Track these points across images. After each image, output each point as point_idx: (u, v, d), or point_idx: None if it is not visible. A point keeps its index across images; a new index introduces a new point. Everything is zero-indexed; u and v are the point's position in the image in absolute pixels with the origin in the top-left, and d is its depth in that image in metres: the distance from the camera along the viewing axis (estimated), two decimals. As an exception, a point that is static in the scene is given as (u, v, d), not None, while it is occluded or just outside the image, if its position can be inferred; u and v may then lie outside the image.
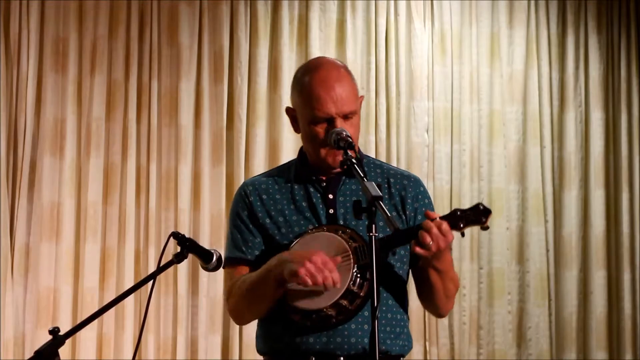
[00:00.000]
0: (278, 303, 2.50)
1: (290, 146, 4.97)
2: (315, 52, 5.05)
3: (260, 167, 4.94)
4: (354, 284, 2.44)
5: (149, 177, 4.88)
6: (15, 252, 4.69)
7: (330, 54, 5.07)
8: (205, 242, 4.82)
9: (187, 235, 2.43)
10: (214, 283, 4.86)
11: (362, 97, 2.65)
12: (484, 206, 2.49)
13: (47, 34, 4.85)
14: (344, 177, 2.62)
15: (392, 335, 2.55)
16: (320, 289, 2.40)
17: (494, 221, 5.22)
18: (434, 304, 2.62)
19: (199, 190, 4.95)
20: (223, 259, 2.55)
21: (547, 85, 5.44)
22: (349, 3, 5.21)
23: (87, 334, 4.66)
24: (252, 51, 5.08)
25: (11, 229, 4.70)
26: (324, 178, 2.63)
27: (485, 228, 2.50)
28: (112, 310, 4.27)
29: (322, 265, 2.38)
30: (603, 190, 5.42)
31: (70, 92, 4.83)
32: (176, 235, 2.40)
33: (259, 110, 5.04)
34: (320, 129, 2.55)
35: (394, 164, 5.04)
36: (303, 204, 2.61)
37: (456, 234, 2.46)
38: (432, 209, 2.57)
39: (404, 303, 2.61)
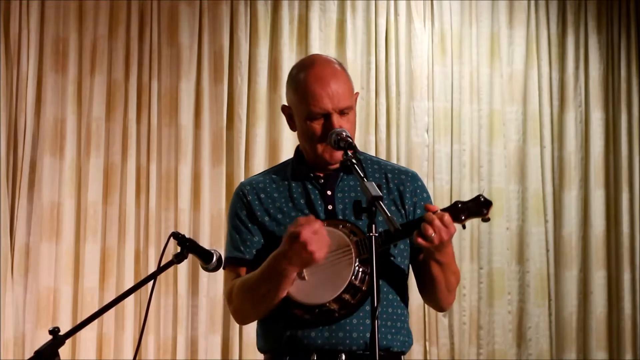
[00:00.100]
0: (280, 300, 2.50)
1: (290, 146, 4.97)
2: (315, 52, 5.04)
3: (260, 167, 4.94)
4: (355, 278, 2.45)
5: (149, 177, 4.88)
6: (15, 252, 4.69)
7: (330, 54, 5.07)
8: (205, 242, 4.82)
9: (187, 236, 2.43)
10: (214, 283, 4.86)
11: (357, 93, 2.66)
12: (484, 198, 2.51)
13: (47, 34, 4.85)
14: (341, 174, 2.62)
15: (393, 330, 2.55)
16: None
17: (494, 221, 5.22)
18: (436, 298, 2.63)
19: (199, 190, 4.95)
20: (223, 259, 2.55)
21: (547, 85, 5.44)
22: (349, 3, 5.21)
23: (87, 334, 4.66)
24: (252, 51, 5.08)
25: (11, 229, 4.70)
26: (321, 175, 2.64)
27: (486, 220, 2.52)
28: (112, 310, 4.27)
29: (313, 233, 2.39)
30: (603, 190, 5.42)
31: (70, 92, 4.83)
32: (176, 236, 2.40)
33: (259, 110, 5.04)
34: (317, 125, 2.56)
35: (394, 163, 5.04)
36: (301, 201, 2.61)
37: (457, 228, 2.47)
38: (431, 203, 2.58)
39: (404, 298, 2.62)
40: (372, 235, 2.27)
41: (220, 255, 2.50)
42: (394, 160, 5.11)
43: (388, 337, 2.54)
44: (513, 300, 5.29)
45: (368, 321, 2.48)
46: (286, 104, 2.67)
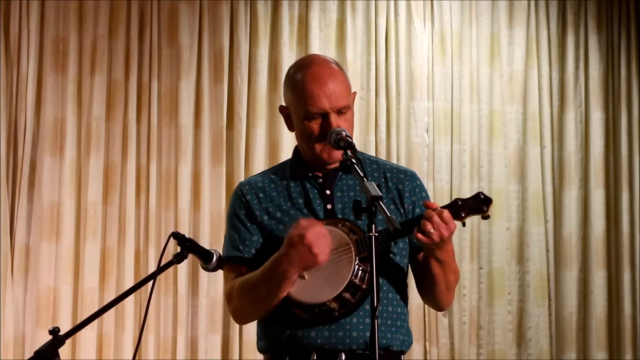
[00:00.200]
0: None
1: (290, 146, 4.94)
2: (315, 52, 5.04)
3: (260, 167, 4.94)
4: (355, 277, 2.45)
5: (149, 177, 4.88)
6: (15, 252, 4.69)
7: (330, 54, 5.07)
8: (205, 242, 4.82)
9: (187, 235, 2.42)
10: (214, 283, 4.86)
11: (354, 93, 2.67)
12: (484, 195, 2.52)
13: (47, 34, 4.85)
14: (340, 173, 2.62)
15: (393, 329, 2.56)
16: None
17: (494, 221, 5.22)
18: (435, 297, 2.63)
19: (199, 190, 4.95)
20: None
21: (547, 85, 5.44)
22: (349, 3, 5.21)
23: (87, 334, 4.66)
24: (252, 51, 5.08)
25: (11, 229, 4.70)
26: (320, 174, 2.64)
27: (486, 217, 2.53)
28: (112, 310, 4.27)
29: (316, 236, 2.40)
30: (603, 190, 5.42)
31: (70, 92, 4.83)
32: (176, 236, 2.40)
33: (259, 110, 5.04)
34: (315, 125, 2.56)
35: (393, 163, 5.04)
36: (300, 200, 2.61)
37: (457, 227, 2.47)
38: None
39: (404, 297, 2.62)
40: (372, 236, 2.27)
41: (220, 255, 2.49)
42: (394, 160, 5.11)
43: (388, 336, 2.54)
44: (513, 300, 5.29)
45: (368, 320, 2.48)
46: (284, 104, 2.67)
